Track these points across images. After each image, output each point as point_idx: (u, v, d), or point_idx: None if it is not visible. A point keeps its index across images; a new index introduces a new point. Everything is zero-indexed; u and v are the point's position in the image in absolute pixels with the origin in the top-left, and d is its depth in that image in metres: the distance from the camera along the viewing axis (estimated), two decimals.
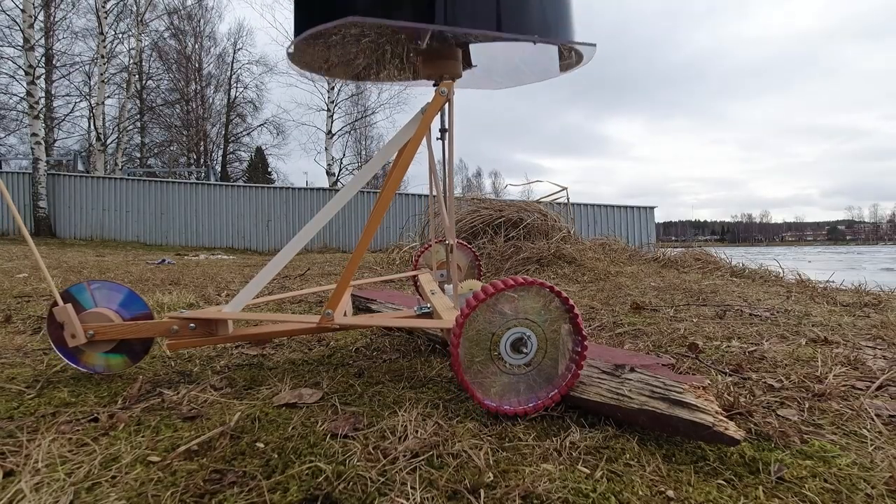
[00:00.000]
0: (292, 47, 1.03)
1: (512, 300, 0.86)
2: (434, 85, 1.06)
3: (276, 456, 0.71)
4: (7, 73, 15.42)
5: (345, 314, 1.11)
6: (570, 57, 1.15)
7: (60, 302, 1.01)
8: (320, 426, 0.80)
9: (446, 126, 1.14)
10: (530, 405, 0.85)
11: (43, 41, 16.06)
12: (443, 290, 1.42)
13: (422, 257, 1.73)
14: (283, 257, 1.04)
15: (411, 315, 1.20)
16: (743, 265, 3.64)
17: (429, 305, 1.20)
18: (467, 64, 1.15)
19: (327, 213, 1.03)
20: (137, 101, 19.84)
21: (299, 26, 0.96)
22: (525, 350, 0.87)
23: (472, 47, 1.11)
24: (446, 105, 1.06)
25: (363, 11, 0.90)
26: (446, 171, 1.19)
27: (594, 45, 1.09)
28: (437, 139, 1.21)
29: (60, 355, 1.04)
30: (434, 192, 1.33)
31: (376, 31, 1.05)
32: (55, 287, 1.03)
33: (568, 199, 5.02)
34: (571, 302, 0.86)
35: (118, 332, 1.03)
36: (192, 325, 1.02)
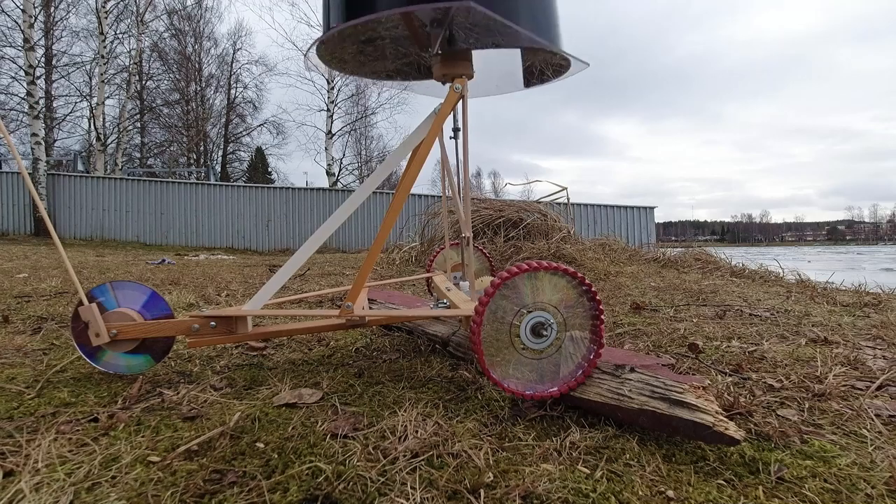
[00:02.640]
0: (329, 35, 1.04)
1: (542, 281, 0.88)
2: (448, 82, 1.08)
3: (276, 456, 0.71)
4: (7, 74, 15.42)
5: (363, 308, 1.11)
6: (553, 69, 1.19)
7: (86, 301, 1.02)
8: (320, 426, 0.80)
9: (459, 125, 1.15)
10: (528, 392, 0.86)
11: (43, 41, 16.06)
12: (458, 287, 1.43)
13: (435, 261, 1.74)
14: (301, 256, 1.06)
15: (429, 309, 1.20)
16: (743, 265, 3.65)
17: (445, 301, 1.20)
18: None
19: (343, 212, 1.05)
20: (137, 102, 19.84)
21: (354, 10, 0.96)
22: (545, 333, 0.88)
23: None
24: (459, 106, 1.08)
25: None
26: (459, 162, 1.20)
27: (587, 64, 1.12)
28: (451, 138, 1.22)
29: (83, 355, 1.05)
30: (448, 191, 1.34)
31: (401, 32, 1.07)
32: (80, 286, 1.04)
33: (568, 199, 5.02)
34: (602, 307, 0.88)
35: (141, 330, 1.04)
36: (212, 323, 1.03)
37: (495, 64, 1.21)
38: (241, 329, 1.04)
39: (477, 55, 1.13)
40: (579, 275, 0.87)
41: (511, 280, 0.86)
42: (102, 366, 1.06)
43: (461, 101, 1.06)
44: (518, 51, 1.18)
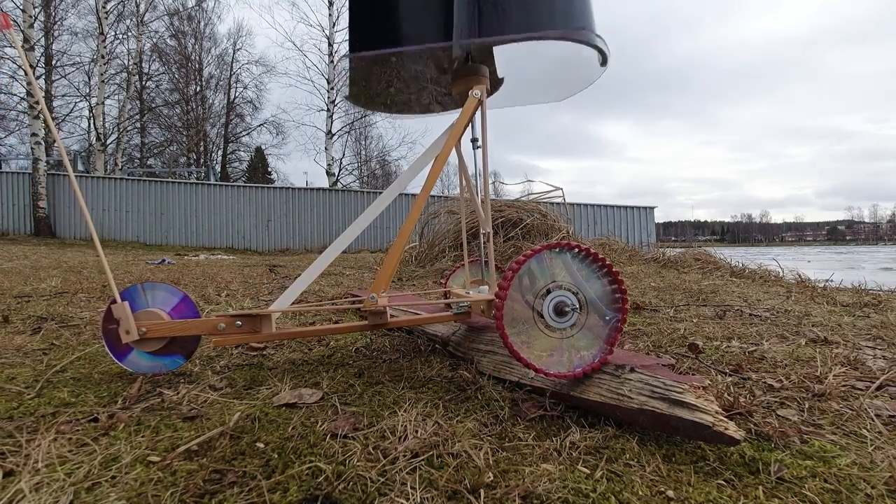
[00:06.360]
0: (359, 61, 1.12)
1: (574, 263, 0.89)
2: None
3: (276, 456, 0.71)
4: (7, 74, 15.40)
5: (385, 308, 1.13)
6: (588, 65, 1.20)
7: (119, 299, 1.04)
8: (320, 426, 0.80)
9: (478, 136, 1.19)
10: (532, 361, 0.88)
11: (43, 41, 16.05)
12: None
13: (450, 280, 1.73)
14: (324, 260, 1.09)
15: (449, 313, 1.21)
16: (743, 265, 3.64)
17: (466, 303, 1.21)
18: (495, 78, 1.21)
19: (368, 216, 1.09)
20: (137, 102, 19.83)
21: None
22: (567, 310, 0.89)
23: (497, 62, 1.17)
24: (477, 118, 1.14)
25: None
26: (477, 164, 1.22)
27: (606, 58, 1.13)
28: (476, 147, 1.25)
29: (110, 352, 1.07)
30: (451, 193, 1.37)
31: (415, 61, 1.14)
32: (114, 285, 1.06)
33: (564, 198, 5.02)
34: (626, 315, 0.90)
35: (168, 329, 1.05)
36: (238, 322, 1.05)
37: (526, 72, 1.23)
38: (266, 329, 1.06)
39: (509, 64, 1.16)
40: (614, 269, 0.89)
41: (540, 254, 0.88)
42: (127, 364, 1.07)
43: (480, 107, 1.11)
44: (553, 61, 1.18)
